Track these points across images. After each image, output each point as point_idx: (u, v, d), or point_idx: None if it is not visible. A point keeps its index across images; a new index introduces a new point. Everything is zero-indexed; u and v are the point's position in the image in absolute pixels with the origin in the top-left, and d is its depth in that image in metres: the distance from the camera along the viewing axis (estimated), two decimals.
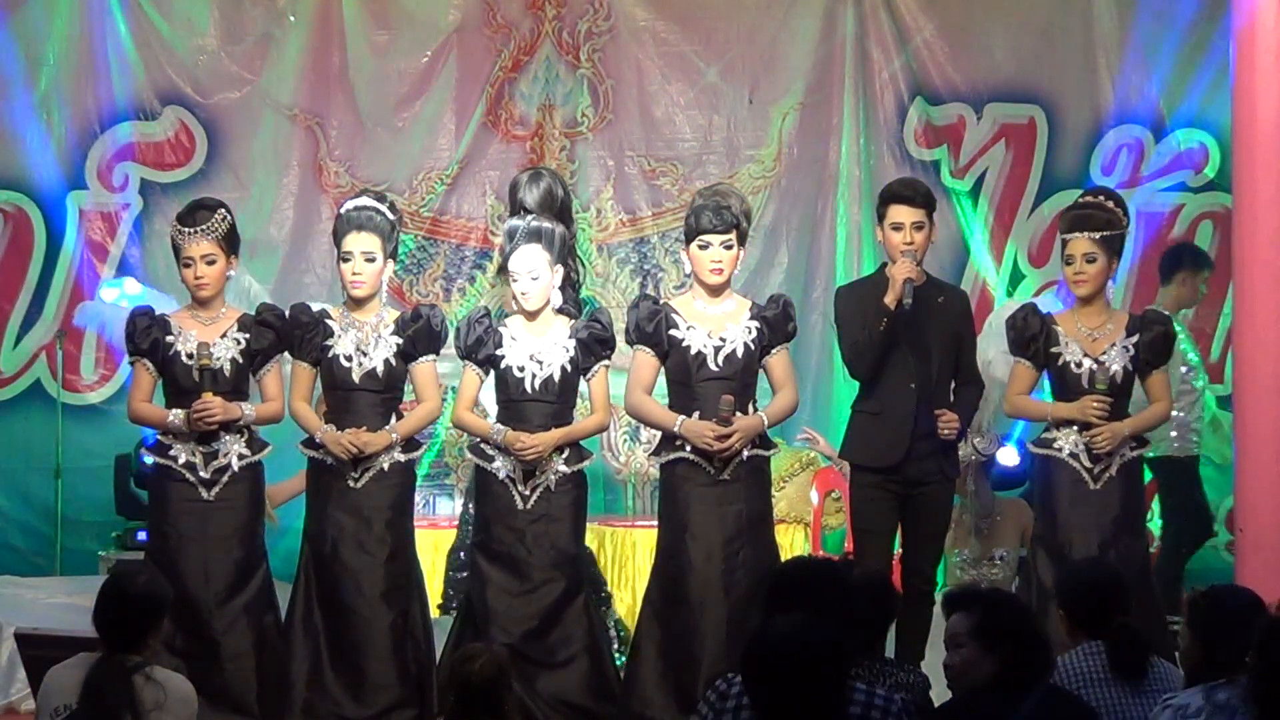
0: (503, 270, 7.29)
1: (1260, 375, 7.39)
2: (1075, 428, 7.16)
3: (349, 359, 7.15)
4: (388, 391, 7.18)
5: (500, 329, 7.19)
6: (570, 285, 7.29)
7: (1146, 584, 7.21)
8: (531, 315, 7.17)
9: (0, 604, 8.14)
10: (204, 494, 7.09)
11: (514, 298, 7.18)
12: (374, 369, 7.15)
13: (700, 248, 7.09)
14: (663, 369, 7.16)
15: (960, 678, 4.71)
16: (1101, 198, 7.36)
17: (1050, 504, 7.23)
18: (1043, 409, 7.29)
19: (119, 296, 9.07)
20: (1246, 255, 7.47)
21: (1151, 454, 7.59)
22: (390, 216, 7.22)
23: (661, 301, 7.34)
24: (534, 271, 7.10)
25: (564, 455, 7.14)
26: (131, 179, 9.68)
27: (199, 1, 9.68)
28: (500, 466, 7.13)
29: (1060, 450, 7.19)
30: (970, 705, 4.47)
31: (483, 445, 7.17)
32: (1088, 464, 7.16)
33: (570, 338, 7.17)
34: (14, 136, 9.64)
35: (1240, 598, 5.04)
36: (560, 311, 7.22)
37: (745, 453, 7.04)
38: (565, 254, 7.22)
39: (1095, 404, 7.13)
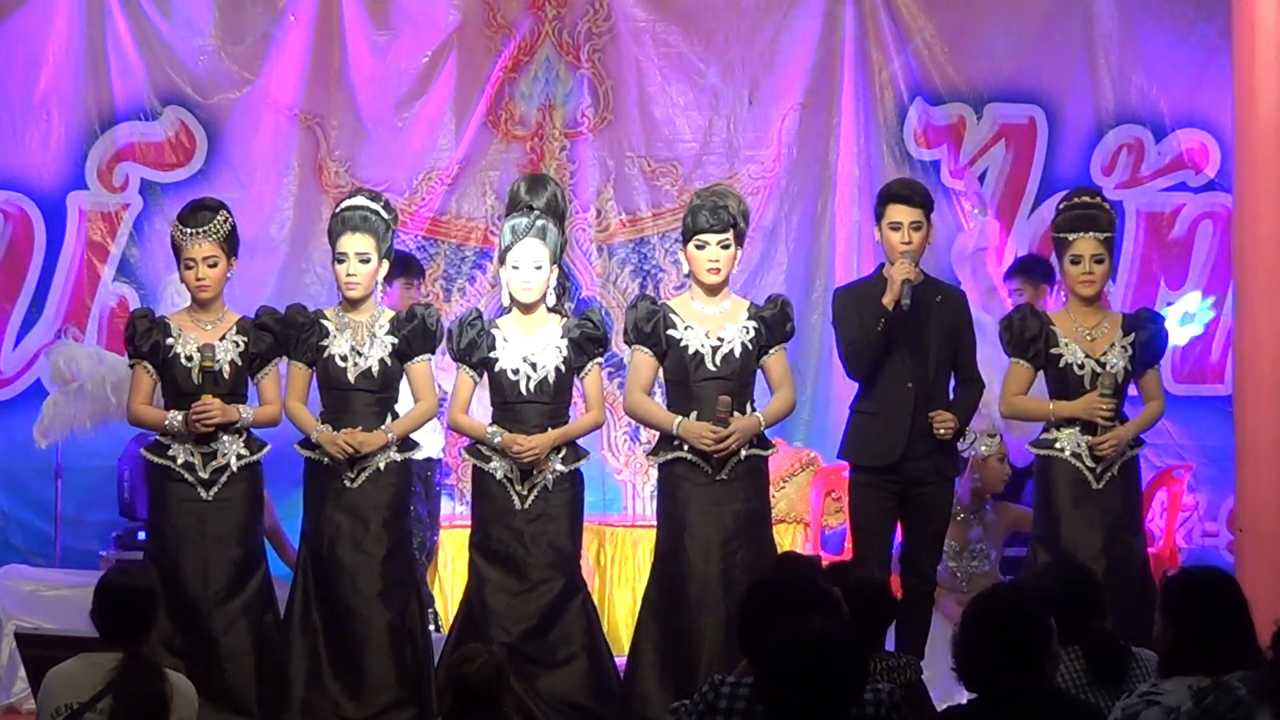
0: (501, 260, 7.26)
1: (1260, 375, 7.38)
2: (1077, 427, 7.16)
3: (344, 359, 7.15)
4: (383, 391, 7.18)
5: (493, 330, 7.19)
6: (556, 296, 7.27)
7: (1146, 581, 7.20)
8: (526, 309, 7.17)
9: (1, 597, 8.13)
10: (202, 494, 7.10)
11: (510, 290, 7.17)
12: (369, 369, 7.15)
13: (697, 248, 7.10)
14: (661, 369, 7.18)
15: None
16: (1098, 198, 7.37)
17: (1052, 504, 7.20)
18: (1044, 408, 7.26)
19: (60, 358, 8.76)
20: (1246, 255, 7.46)
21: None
22: (385, 216, 7.21)
23: (660, 301, 7.36)
24: (538, 261, 7.10)
25: (560, 454, 7.14)
26: (131, 179, 9.65)
27: (199, 1, 9.66)
28: (497, 467, 7.13)
29: (1061, 450, 7.18)
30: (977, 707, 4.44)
31: (479, 446, 7.17)
32: (1090, 464, 7.15)
33: (563, 337, 7.17)
34: (14, 136, 9.61)
35: (1214, 578, 4.78)
36: (552, 310, 7.22)
37: (743, 453, 7.05)
38: (559, 260, 7.22)
39: (1102, 406, 7.12)
